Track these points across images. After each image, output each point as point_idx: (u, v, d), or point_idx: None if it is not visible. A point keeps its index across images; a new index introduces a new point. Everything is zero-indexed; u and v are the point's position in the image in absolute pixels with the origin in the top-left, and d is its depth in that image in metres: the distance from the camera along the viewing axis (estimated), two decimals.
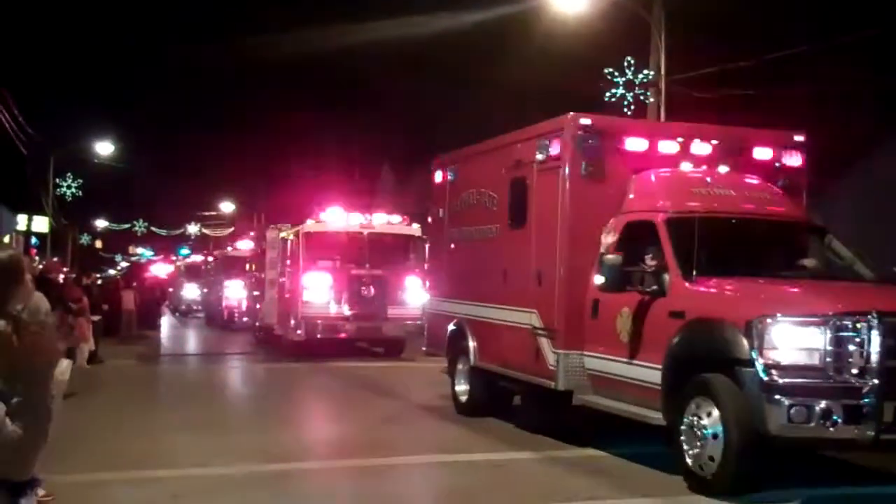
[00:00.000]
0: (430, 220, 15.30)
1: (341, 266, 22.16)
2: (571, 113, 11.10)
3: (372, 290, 21.76)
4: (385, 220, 22.79)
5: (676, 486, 8.80)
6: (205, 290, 42.10)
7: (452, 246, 14.23)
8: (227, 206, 71.06)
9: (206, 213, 75.25)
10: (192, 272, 45.94)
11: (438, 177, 14.90)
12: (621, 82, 24.47)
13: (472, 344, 13.20)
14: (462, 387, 13.65)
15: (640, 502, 8.55)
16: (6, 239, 40.12)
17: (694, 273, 9.26)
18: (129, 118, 66.35)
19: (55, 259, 29.67)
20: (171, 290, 49.43)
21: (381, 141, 45.63)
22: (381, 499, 8.87)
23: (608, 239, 10.47)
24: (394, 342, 22.80)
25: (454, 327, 13.82)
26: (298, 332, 21.84)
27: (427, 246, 15.36)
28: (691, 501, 8.46)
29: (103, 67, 76.98)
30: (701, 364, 8.85)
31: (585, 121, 11.02)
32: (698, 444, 8.68)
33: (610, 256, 9.91)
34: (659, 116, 22.40)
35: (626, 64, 24.69)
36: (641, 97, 24.14)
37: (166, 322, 41.08)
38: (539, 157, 11.55)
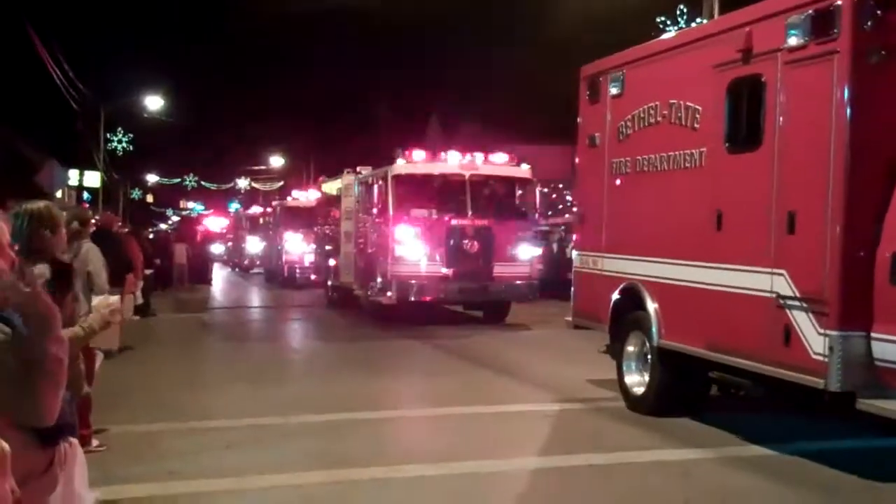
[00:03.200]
0: (578, 150, 11.58)
1: (439, 215, 18.48)
2: None
3: (475, 244, 18.08)
4: (489, 160, 19.02)
5: (724, 438, 8.65)
6: (263, 245, 39.15)
7: (618, 182, 10.51)
8: (276, 161, 69.69)
9: (256, 168, 74.32)
10: (253, 225, 42.77)
11: (591, 92, 11.16)
12: (674, 31, 23.57)
13: (654, 316, 9.54)
14: (636, 376, 10.04)
15: (689, 452, 8.20)
16: (58, 194, 38.83)
17: None
18: (178, 72, 65.61)
19: (109, 212, 27.86)
20: (229, 243, 46.87)
21: (428, 92, 43.08)
22: (424, 446, 8.88)
23: None
24: (497, 305, 19.20)
25: (621, 294, 10.18)
26: (388, 293, 18.26)
27: (578, 183, 11.62)
28: (740, 451, 8.22)
29: (152, 21, 75.25)
30: None
31: None
32: None
33: None
34: None
35: (678, 12, 24.49)
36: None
37: (222, 278, 39.65)
38: (791, 41, 7.73)
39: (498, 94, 36.57)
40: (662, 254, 9.52)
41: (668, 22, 24.52)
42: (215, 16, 73.87)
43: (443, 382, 12.20)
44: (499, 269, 18.24)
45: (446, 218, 18.29)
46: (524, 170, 19.14)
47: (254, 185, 75.33)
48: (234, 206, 69.20)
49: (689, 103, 9.15)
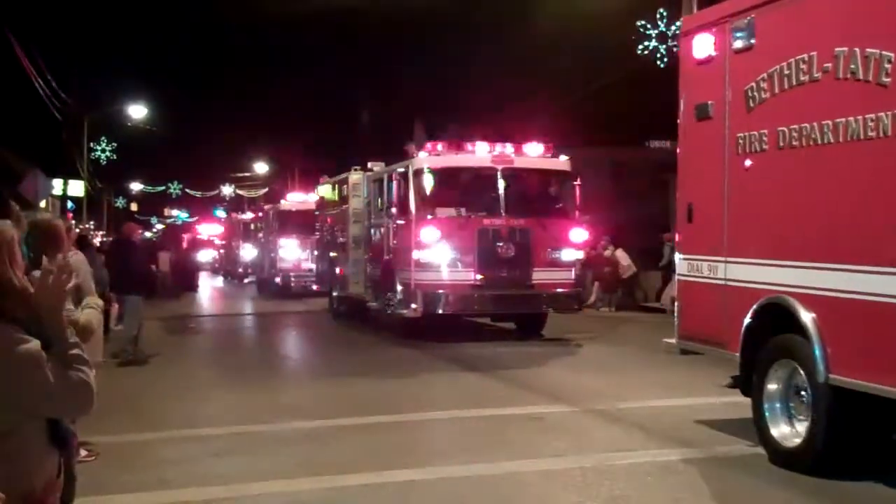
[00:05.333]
0: (681, 126, 9.03)
1: (468, 215, 15.91)
2: None
3: (511, 247, 15.51)
4: (524, 151, 16.42)
5: (711, 439, 8.53)
6: (254, 252, 36.70)
7: (748, 163, 7.97)
8: (260, 167, 69.14)
9: (240, 175, 73.55)
10: (246, 231, 40.18)
11: (703, 48, 8.62)
12: (654, 35, 24.50)
13: (818, 343, 7.00)
14: (785, 423, 7.56)
15: (678, 452, 8.06)
16: (42, 204, 37.59)
17: None
18: (161, 80, 66.60)
19: (131, 223, 26.07)
20: (221, 251, 44.56)
21: (411, 98, 41.63)
22: (415, 447, 8.64)
23: None
24: (532, 317, 16.65)
25: (760, 312, 7.66)
26: (412, 305, 15.68)
27: (679, 165, 9.03)
28: (727, 453, 8.02)
29: (134, 29, 74.61)
30: None
31: None
32: None
33: None
34: None
35: (658, 16, 24.39)
36: (675, 49, 24.17)
37: (210, 287, 38.66)
38: None
39: (479, 98, 35.42)
40: (829, 257, 6.99)
41: (649, 26, 24.49)
42: (197, 24, 73.06)
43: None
44: (538, 276, 15.70)
45: (478, 218, 15.74)
46: (563, 161, 16.58)
47: (238, 191, 74.31)
48: (220, 213, 68.22)
49: (871, 50, 6.60)
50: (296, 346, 18.78)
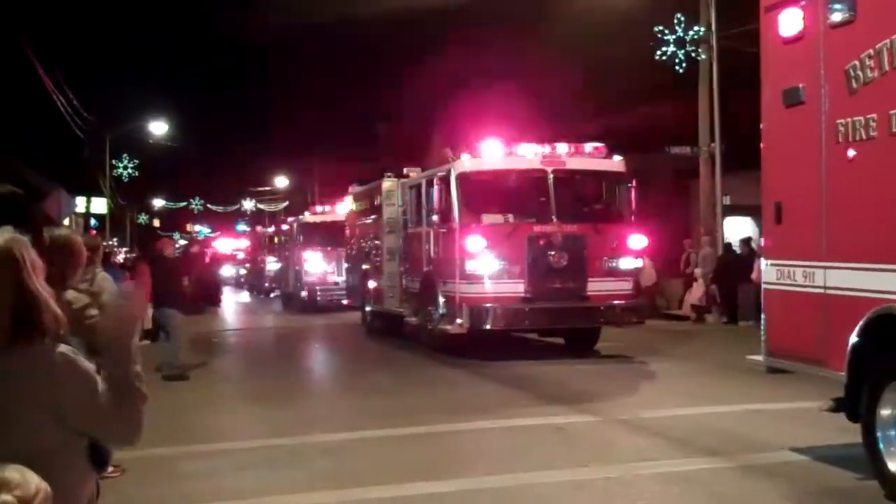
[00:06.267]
0: (766, 113, 8.10)
1: (517, 222, 14.90)
2: None
3: (564, 256, 14.51)
4: (577, 152, 15.36)
5: (737, 448, 8.36)
6: (280, 265, 36.07)
7: (852, 154, 7.01)
8: (280, 181, 69.43)
9: (260, 189, 74.17)
10: (271, 245, 39.46)
11: (791, 24, 7.70)
12: (672, 40, 24.59)
13: None
14: None
15: (703, 461, 7.97)
16: (66, 221, 37.80)
17: None
18: (181, 97, 67.60)
19: (165, 238, 25.88)
20: (247, 265, 44.07)
21: (431, 110, 41.36)
22: (438, 459, 8.49)
23: None
24: (583, 331, 15.61)
25: (869, 326, 6.66)
26: (458, 320, 14.64)
27: (764, 161, 8.08)
28: (754, 462, 7.88)
29: (154, 46, 75.68)
30: None
31: None
32: None
33: None
34: (711, 74, 23.57)
35: (676, 21, 24.57)
36: (693, 54, 24.46)
37: (235, 302, 38.19)
38: None
39: (497, 106, 34.93)
40: None
41: (667, 31, 24.49)
42: (215, 41, 73.61)
43: None
44: (594, 287, 14.64)
45: (526, 224, 14.75)
46: (617, 162, 15.55)
47: (259, 206, 75.06)
48: (242, 227, 68.08)
49: None
50: (329, 360, 18.25)
